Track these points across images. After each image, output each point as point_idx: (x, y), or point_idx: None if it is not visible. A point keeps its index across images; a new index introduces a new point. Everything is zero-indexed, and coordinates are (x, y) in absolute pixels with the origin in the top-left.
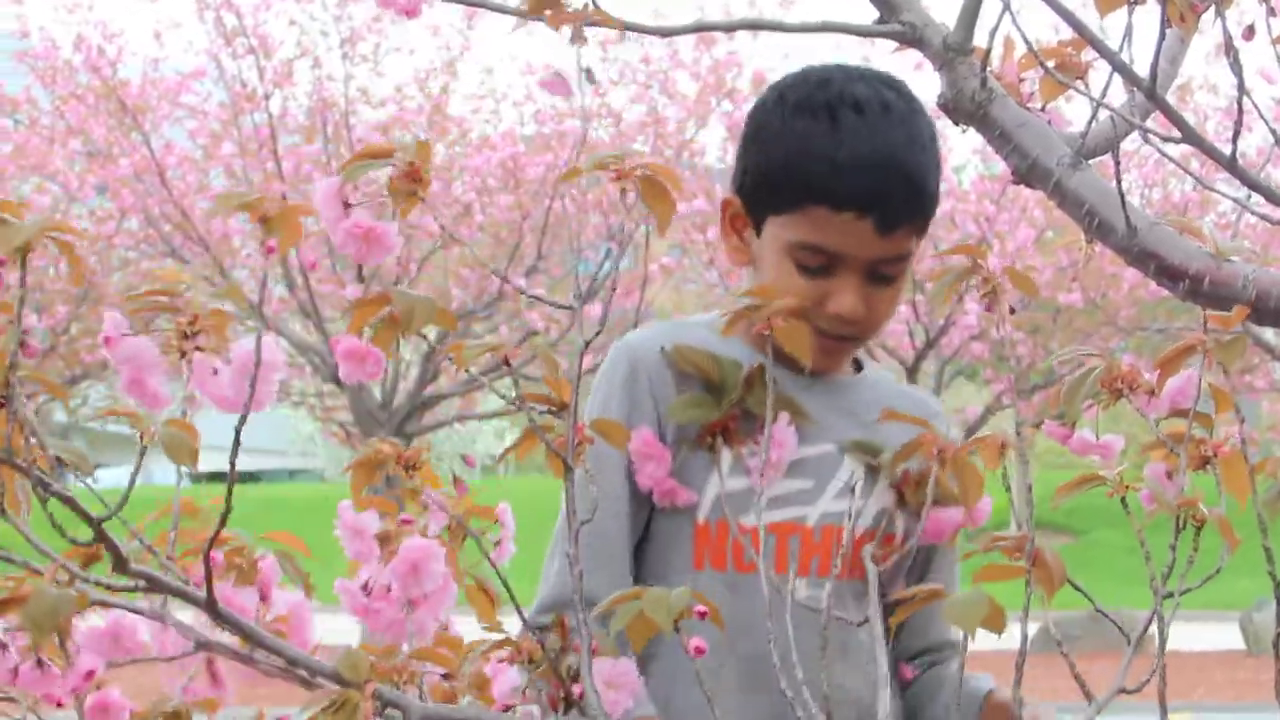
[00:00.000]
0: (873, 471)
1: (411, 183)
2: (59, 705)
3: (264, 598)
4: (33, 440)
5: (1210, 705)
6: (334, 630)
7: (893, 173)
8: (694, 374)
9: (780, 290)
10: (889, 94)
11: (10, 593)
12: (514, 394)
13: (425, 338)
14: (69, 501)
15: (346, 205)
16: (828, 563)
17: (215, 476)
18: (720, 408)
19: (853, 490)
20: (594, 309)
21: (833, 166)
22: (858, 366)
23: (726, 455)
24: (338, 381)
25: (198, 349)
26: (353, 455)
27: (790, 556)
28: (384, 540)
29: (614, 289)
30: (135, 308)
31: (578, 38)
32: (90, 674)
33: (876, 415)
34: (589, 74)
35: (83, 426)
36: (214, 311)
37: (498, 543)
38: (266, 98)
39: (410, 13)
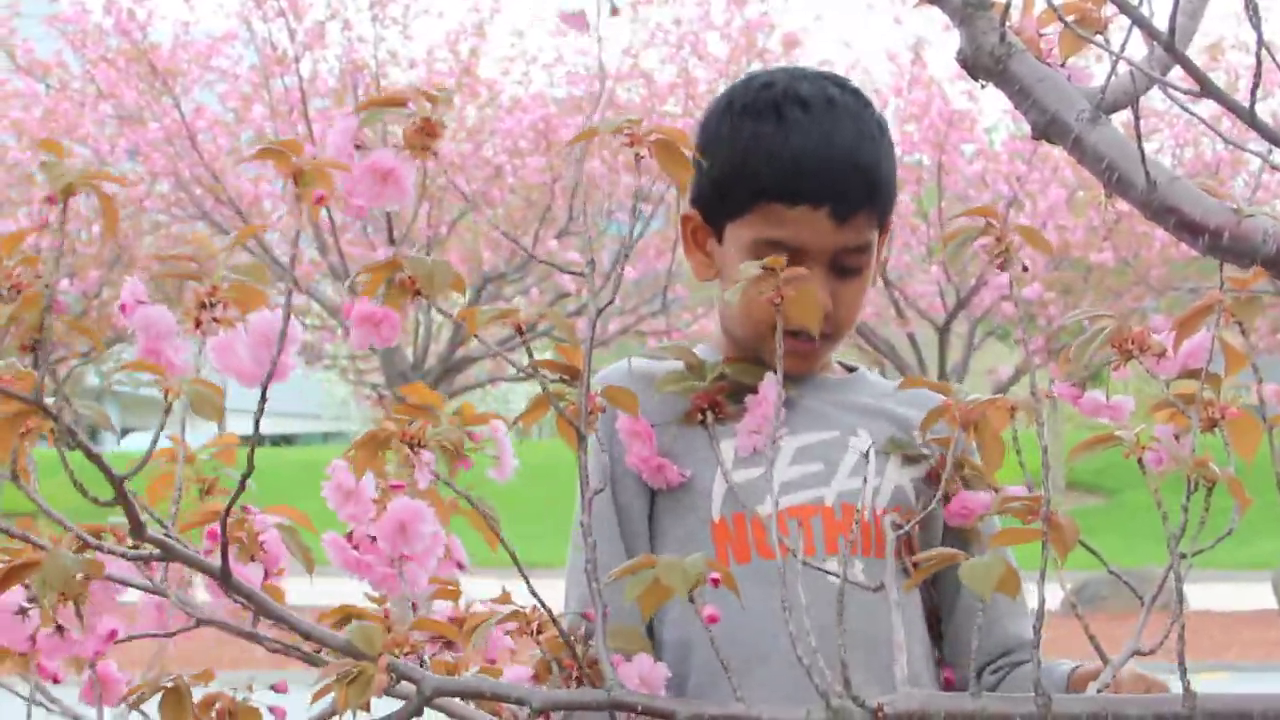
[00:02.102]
0: (883, 451)
1: (425, 136)
2: (54, 680)
3: (268, 574)
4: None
5: (1244, 665)
6: (340, 594)
7: (843, 161)
8: (670, 367)
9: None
10: (834, 90)
11: (25, 558)
12: (528, 361)
13: (448, 315)
14: (92, 456)
15: (359, 148)
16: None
17: (244, 440)
18: (705, 379)
19: (866, 459)
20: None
21: (782, 162)
22: (850, 370)
23: (727, 449)
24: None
25: (214, 320)
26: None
27: (816, 537)
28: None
29: (628, 254)
30: (161, 273)
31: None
32: (112, 634)
33: (880, 406)
34: (613, 8)
35: (114, 391)
36: (235, 285)
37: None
38: (297, 60)
39: None
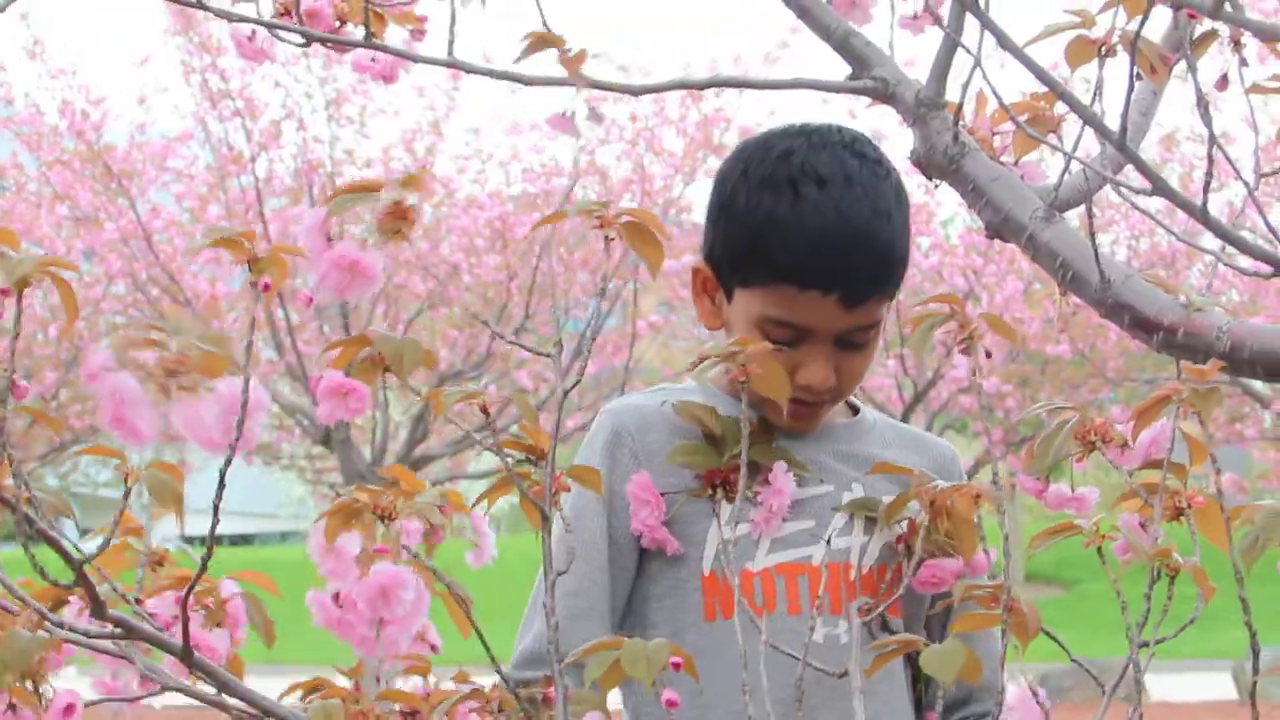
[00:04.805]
0: (874, 513)
1: (397, 220)
2: None
3: (231, 638)
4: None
5: None
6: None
7: (857, 249)
8: (692, 427)
9: None
10: (852, 162)
11: None
12: (492, 442)
13: (417, 393)
14: (51, 541)
15: (329, 240)
16: (838, 600)
17: (203, 540)
18: (721, 457)
19: (852, 522)
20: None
21: (797, 247)
22: (854, 410)
23: (724, 505)
24: (328, 443)
25: (181, 388)
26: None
27: (801, 596)
28: (359, 561)
29: (593, 339)
30: (124, 343)
31: (583, 88)
32: (70, 709)
33: (880, 456)
34: (595, 113)
35: (73, 491)
36: (205, 354)
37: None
38: (253, 160)
39: (388, 79)
